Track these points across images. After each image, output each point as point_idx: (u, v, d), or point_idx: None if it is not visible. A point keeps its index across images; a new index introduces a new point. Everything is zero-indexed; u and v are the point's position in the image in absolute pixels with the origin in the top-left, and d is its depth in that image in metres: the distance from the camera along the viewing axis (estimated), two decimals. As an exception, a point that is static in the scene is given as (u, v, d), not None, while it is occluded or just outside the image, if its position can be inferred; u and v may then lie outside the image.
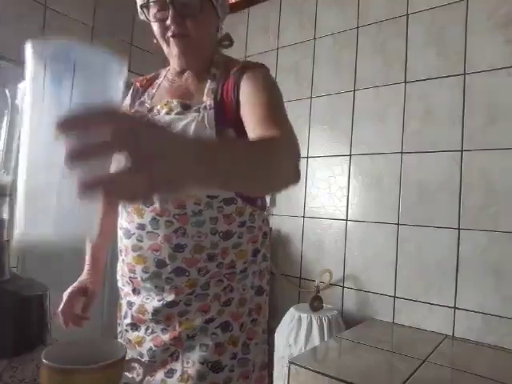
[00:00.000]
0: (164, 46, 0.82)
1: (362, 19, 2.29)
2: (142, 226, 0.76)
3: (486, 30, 1.86)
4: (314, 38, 2.49)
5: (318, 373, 1.39)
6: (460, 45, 1.93)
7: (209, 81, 0.82)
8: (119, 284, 0.88)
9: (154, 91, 0.89)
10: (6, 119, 0.53)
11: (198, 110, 0.77)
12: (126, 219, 0.79)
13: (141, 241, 0.76)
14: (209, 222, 0.75)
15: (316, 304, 2.05)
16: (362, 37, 2.28)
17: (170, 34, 0.78)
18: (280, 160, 0.55)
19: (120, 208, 0.81)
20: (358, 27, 2.30)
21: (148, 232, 0.75)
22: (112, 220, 0.90)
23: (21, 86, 0.53)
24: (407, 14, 2.12)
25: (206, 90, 0.81)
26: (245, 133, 0.73)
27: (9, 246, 0.58)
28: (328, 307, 2.11)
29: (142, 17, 0.89)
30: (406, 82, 2.10)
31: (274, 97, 0.77)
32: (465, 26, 1.93)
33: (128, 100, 0.93)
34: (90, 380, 0.41)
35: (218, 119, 0.76)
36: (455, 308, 1.85)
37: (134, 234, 0.78)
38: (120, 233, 0.82)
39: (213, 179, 0.40)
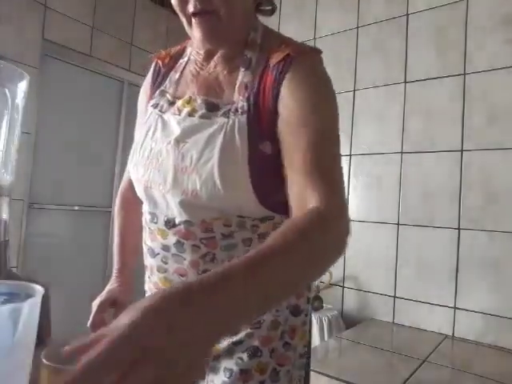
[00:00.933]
0: (184, 23, 0.64)
1: (362, 19, 2.29)
2: (166, 248, 0.67)
3: (486, 29, 1.86)
4: (314, 38, 2.49)
5: (318, 373, 1.39)
6: (460, 45, 1.93)
7: (242, 70, 0.64)
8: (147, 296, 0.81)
9: (177, 76, 0.72)
10: (6, 119, 0.53)
11: (226, 114, 0.62)
12: (150, 237, 0.70)
13: (166, 263, 0.68)
14: (242, 244, 0.64)
15: (316, 304, 2.05)
16: (362, 37, 2.28)
17: (190, 9, 0.60)
18: (325, 257, 0.51)
19: (144, 222, 0.72)
20: (357, 27, 2.30)
21: (173, 254, 0.67)
22: (141, 220, 0.79)
23: (21, 85, 0.53)
24: (407, 14, 2.12)
25: (237, 84, 0.64)
26: (276, 159, 0.59)
27: (9, 246, 0.58)
28: (328, 307, 2.11)
29: None
30: (406, 82, 2.10)
31: (326, 123, 0.59)
32: (465, 26, 1.93)
33: (149, 80, 0.78)
34: None
35: (251, 128, 0.60)
36: (455, 308, 1.85)
37: (158, 254, 0.69)
38: (144, 249, 0.74)
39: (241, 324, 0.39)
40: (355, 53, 2.30)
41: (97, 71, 2.57)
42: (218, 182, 0.58)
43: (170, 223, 0.65)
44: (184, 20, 0.63)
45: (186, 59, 0.73)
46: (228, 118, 0.61)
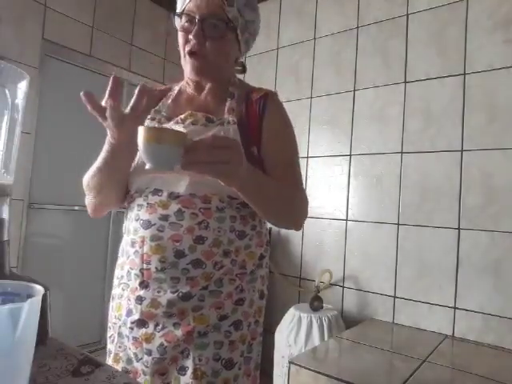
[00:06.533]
0: (181, 56, 0.86)
1: (362, 19, 2.29)
2: (165, 217, 0.78)
3: (486, 29, 1.86)
4: (314, 38, 2.49)
5: (318, 373, 1.39)
6: (460, 45, 1.94)
7: (228, 100, 0.88)
8: (122, 280, 0.86)
9: (169, 102, 0.92)
10: (6, 119, 0.53)
11: (221, 124, 0.83)
12: (147, 211, 0.81)
13: (162, 231, 0.78)
14: (229, 219, 0.81)
15: (316, 304, 2.05)
16: (362, 37, 2.28)
17: (187, 48, 0.82)
18: (287, 206, 0.83)
19: (141, 201, 0.82)
20: (358, 27, 2.31)
21: (171, 223, 0.78)
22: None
23: (21, 85, 0.53)
24: (407, 14, 2.12)
25: (226, 108, 0.86)
26: (260, 162, 0.84)
27: (9, 246, 0.58)
28: (328, 307, 2.11)
29: (175, 22, 0.91)
30: (406, 82, 2.10)
31: (295, 143, 0.92)
32: (465, 26, 1.93)
33: None
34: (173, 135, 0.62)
35: (241, 134, 0.82)
36: (455, 308, 1.85)
37: (154, 224, 0.79)
38: (136, 225, 0.82)
39: (239, 185, 0.71)
40: (355, 53, 2.30)
41: (97, 71, 2.57)
42: None
43: (173, 195, 0.79)
44: (182, 53, 0.85)
45: (175, 92, 0.94)
46: (223, 126, 0.83)
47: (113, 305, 0.89)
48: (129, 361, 0.82)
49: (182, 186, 0.79)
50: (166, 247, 0.77)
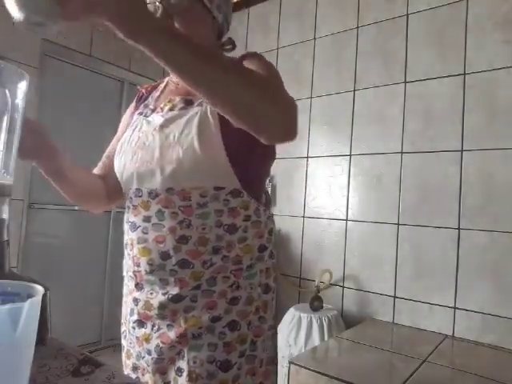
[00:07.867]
0: None
1: (362, 19, 2.29)
2: (147, 219, 0.78)
3: (486, 29, 1.86)
4: (314, 38, 2.49)
5: (318, 373, 1.39)
6: (460, 45, 1.94)
7: None
8: (125, 281, 0.88)
9: (157, 94, 0.92)
10: (6, 119, 0.53)
11: (200, 104, 0.78)
12: (133, 213, 0.81)
13: (146, 233, 0.78)
14: (214, 214, 0.76)
15: (316, 304, 2.05)
16: (362, 37, 2.28)
17: None
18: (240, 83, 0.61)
19: (128, 203, 0.83)
20: (357, 27, 2.31)
21: (153, 224, 0.77)
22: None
23: (21, 85, 0.53)
24: (407, 14, 2.12)
25: None
26: (248, 135, 0.65)
27: (9, 246, 0.58)
28: (328, 307, 2.11)
29: None
30: (405, 82, 2.10)
31: (276, 73, 0.76)
32: (465, 26, 1.93)
33: (133, 104, 0.97)
34: None
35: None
36: (455, 308, 1.85)
37: (139, 226, 0.79)
38: (126, 227, 0.83)
39: (142, 31, 0.54)
40: (355, 53, 2.30)
41: (97, 71, 2.57)
42: (197, 147, 0.72)
43: (152, 194, 0.77)
44: None
45: (164, 84, 0.94)
46: (202, 106, 0.77)
47: (125, 300, 0.90)
48: (138, 357, 0.83)
49: (157, 180, 0.76)
50: (152, 249, 0.77)
